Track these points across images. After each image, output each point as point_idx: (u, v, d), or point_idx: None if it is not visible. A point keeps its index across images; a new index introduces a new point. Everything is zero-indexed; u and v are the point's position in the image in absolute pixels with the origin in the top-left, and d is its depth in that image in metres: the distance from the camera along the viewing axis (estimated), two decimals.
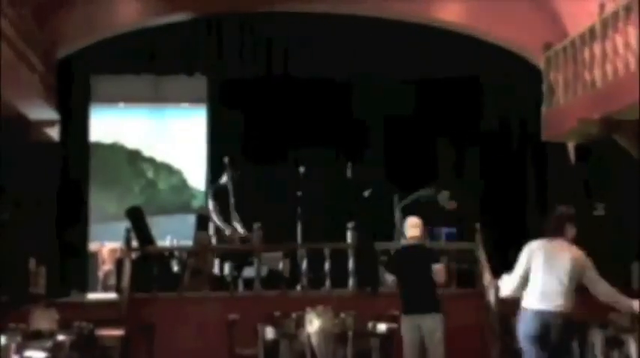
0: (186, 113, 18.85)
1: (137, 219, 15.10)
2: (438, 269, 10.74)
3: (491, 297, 13.32)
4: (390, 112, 17.44)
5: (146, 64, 16.93)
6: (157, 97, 18.46)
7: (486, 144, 17.35)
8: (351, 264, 14.26)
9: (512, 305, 12.84)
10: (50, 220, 15.79)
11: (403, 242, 11.27)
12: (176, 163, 19.11)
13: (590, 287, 8.70)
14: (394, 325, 11.61)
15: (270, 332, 11.59)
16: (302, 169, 15.69)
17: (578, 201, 15.73)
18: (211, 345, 12.79)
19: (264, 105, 17.46)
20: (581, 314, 11.81)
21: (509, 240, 16.22)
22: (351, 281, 14.24)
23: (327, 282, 14.22)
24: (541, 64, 15.70)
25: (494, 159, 17.26)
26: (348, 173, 15.91)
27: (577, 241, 8.82)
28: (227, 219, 15.47)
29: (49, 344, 10.46)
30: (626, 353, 10.43)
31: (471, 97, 17.43)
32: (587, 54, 13.50)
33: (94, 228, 17.26)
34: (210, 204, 15.66)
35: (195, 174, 18.61)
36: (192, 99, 18.49)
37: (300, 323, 11.44)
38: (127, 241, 14.31)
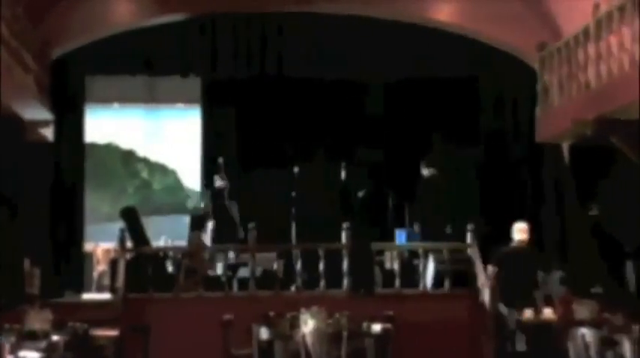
0: (180, 113, 18.86)
1: (132, 219, 15.09)
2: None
3: (486, 297, 13.33)
4: (385, 112, 17.45)
5: (141, 64, 16.93)
6: (151, 98, 18.46)
7: (482, 145, 17.35)
8: (345, 264, 14.25)
9: None
10: (44, 220, 15.77)
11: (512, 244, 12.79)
12: (170, 164, 19.12)
13: None
14: (388, 325, 11.64)
15: (264, 333, 11.59)
16: (296, 169, 15.69)
17: (572, 201, 15.82)
18: (206, 346, 12.77)
19: (258, 105, 17.47)
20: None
21: (503, 241, 16.30)
22: (345, 282, 14.23)
23: (322, 283, 14.21)
24: (536, 64, 15.72)
25: (490, 159, 17.26)
26: (343, 173, 15.91)
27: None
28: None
29: (43, 344, 10.48)
30: (620, 354, 10.44)
31: (466, 98, 17.42)
32: (581, 55, 13.52)
33: (89, 229, 17.25)
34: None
35: (190, 174, 18.61)
36: (187, 100, 18.50)
37: (295, 323, 11.44)
38: (122, 241, 14.30)
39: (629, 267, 14.59)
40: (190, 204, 18.48)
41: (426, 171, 15.56)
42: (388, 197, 15.92)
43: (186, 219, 16.82)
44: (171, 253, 15.31)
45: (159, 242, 16.17)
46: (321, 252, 14.19)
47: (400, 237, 15.60)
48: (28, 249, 14.48)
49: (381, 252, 15.32)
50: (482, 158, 17.27)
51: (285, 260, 14.74)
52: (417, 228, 15.39)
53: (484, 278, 13.67)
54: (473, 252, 14.34)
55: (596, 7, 12.91)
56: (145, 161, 19.13)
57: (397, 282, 14.27)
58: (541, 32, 15.89)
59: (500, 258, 12.82)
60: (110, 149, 18.89)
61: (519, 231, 12.77)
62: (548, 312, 12.50)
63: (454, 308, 13.84)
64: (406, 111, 17.46)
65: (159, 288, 14.05)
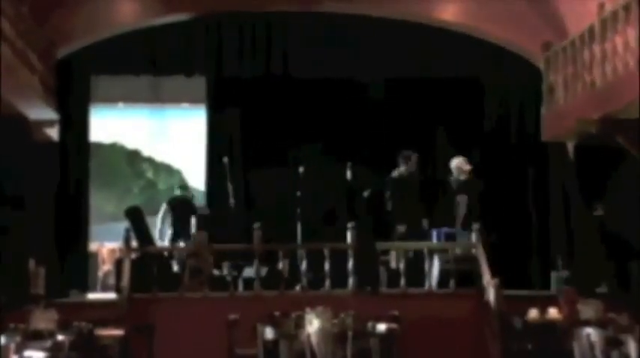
0: (185, 113, 18.85)
1: (136, 219, 15.10)
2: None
3: (491, 297, 13.32)
4: (389, 112, 17.43)
5: (146, 64, 16.96)
6: (156, 97, 18.44)
7: (486, 145, 17.34)
8: (350, 264, 14.24)
9: (512, 304, 12.98)
10: (50, 220, 15.79)
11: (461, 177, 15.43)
12: (176, 163, 19.12)
13: None
14: (394, 325, 11.63)
15: (269, 333, 11.59)
16: (301, 169, 15.68)
17: (577, 200, 15.81)
18: (211, 345, 12.77)
19: (264, 105, 17.44)
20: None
21: (508, 240, 16.30)
22: (350, 282, 14.22)
23: (327, 282, 14.21)
24: (541, 64, 15.71)
25: (494, 159, 17.25)
26: (348, 173, 15.89)
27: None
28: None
29: (48, 344, 10.48)
30: (625, 353, 10.43)
31: (471, 97, 17.41)
32: (586, 54, 13.51)
33: (94, 228, 17.27)
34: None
35: (195, 174, 18.60)
36: (192, 100, 18.47)
37: (300, 323, 11.44)
38: (127, 241, 14.31)
39: (635, 266, 14.59)
40: (195, 203, 18.47)
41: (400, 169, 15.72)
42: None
43: (192, 219, 16.80)
44: (176, 253, 15.32)
45: (164, 242, 16.18)
46: (326, 252, 14.20)
47: None
48: (33, 249, 14.49)
49: (386, 252, 15.32)
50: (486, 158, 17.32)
51: (290, 259, 14.73)
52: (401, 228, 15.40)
53: (489, 277, 13.67)
54: (478, 252, 14.32)
55: (602, 6, 12.89)
56: (150, 161, 19.14)
57: (402, 282, 14.27)
58: (546, 32, 15.88)
59: (460, 187, 15.35)
60: (115, 149, 18.91)
61: (464, 163, 15.47)
62: (553, 312, 12.50)
63: (459, 307, 13.83)
64: (411, 111, 17.44)
65: (164, 288, 14.06)
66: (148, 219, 15.53)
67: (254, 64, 17.04)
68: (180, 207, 16.07)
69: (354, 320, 11.39)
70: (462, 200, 15.35)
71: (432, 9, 16.81)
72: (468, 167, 15.52)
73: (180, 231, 15.81)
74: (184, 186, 16.95)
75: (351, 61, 16.95)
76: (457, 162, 15.55)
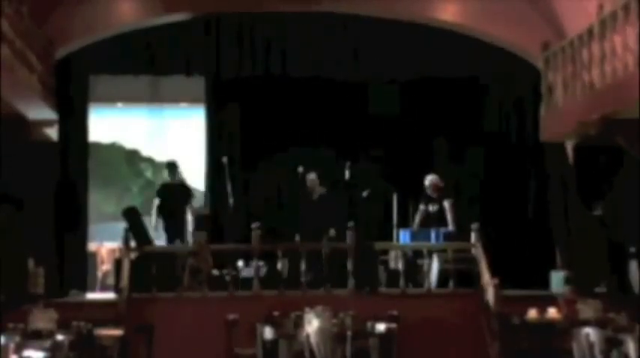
0: (184, 113, 18.85)
1: (133, 219, 15.08)
2: None
3: (490, 297, 13.32)
4: (388, 112, 17.42)
5: (145, 64, 16.95)
6: (155, 97, 18.46)
7: (486, 145, 17.34)
8: (350, 264, 14.24)
9: (511, 303, 12.98)
10: (49, 220, 15.78)
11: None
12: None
13: None
14: (393, 325, 11.64)
15: (269, 332, 11.61)
16: (300, 169, 15.68)
17: (576, 201, 15.80)
18: (210, 345, 12.78)
19: (263, 104, 17.45)
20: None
21: (508, 240, 16.30)
22: (349, 282, 14.22)
23: (326, 282, 14.20)
24: (540, 64, 15.71)
25: (494, 159, 17.25)
26: (347, 173, 15.89)
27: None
28: None
29: (47, 344, 10.46)
30: (624, 353, 10.43)
31: (470, 98, 17.41)
32: (585, 54, 13.51)
33: (93, 228, 17.27)
34: None
35: (194, 174, 18.59)
36: (191, 99, 18.49)
37: (299, 323, 11.46)
38: (126, 241, 14.31)
39: (634, 266, 14.59)
40: (195, 203, 18.46)
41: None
42: (392, 197, 15.91)
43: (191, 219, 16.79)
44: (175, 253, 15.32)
45: (163, 241, 16.16)
46: (325, 252, 14.20)
47: (404, 236, 15.60)
48: (32, 249, 14.48)
49: (385, 252, 15.34)
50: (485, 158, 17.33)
51: (289, 259, 14.73)
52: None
53: (489, 277, 13.67)
54: (477, 252, 14.33)
55: (601, 6, 12.89)
56: (149, 160, 19.14)
57: (401, 282, 14.28)
58: (545, 32, 15.89)
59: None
60: (114, 148, 18.91)
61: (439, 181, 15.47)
62: (552, 312, 12.51)
63: (458, 307, 13.84)
64: (410, 111, 17.44)
65: (163, 288, 14.06)
66: (147, 219, 15.51)
67: (253, 63, 17.02)
68: (172, 198, 15.83)
69: (353, 320, 11.41)
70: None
71: (432, 9, 16.81)
72: (442, 184, 15.58)
73: (174, 229, 15.66)
74: (172, 166, 16.10)
75: (351, 61, 16.95)
76: (432, 179, 15.57)
